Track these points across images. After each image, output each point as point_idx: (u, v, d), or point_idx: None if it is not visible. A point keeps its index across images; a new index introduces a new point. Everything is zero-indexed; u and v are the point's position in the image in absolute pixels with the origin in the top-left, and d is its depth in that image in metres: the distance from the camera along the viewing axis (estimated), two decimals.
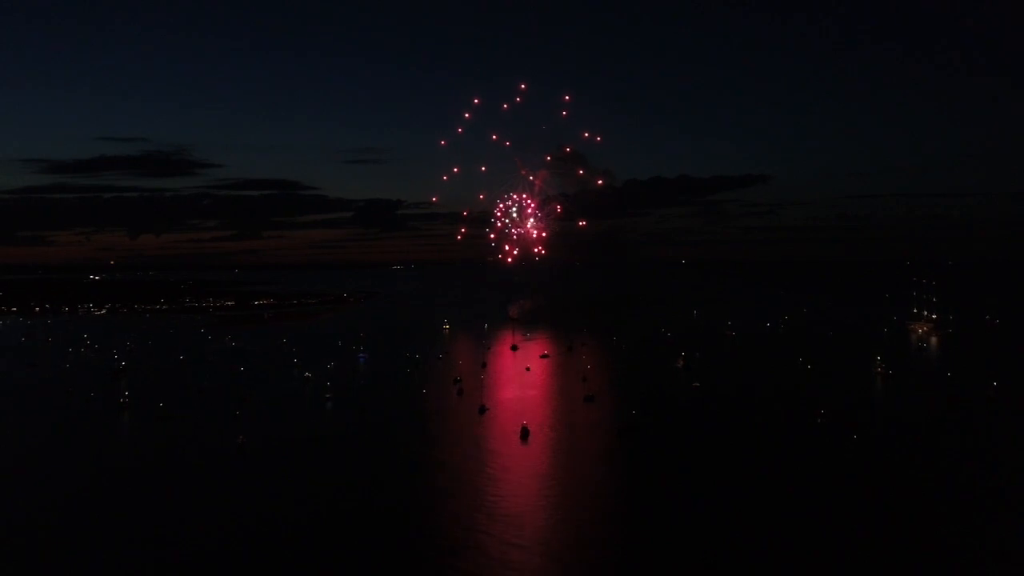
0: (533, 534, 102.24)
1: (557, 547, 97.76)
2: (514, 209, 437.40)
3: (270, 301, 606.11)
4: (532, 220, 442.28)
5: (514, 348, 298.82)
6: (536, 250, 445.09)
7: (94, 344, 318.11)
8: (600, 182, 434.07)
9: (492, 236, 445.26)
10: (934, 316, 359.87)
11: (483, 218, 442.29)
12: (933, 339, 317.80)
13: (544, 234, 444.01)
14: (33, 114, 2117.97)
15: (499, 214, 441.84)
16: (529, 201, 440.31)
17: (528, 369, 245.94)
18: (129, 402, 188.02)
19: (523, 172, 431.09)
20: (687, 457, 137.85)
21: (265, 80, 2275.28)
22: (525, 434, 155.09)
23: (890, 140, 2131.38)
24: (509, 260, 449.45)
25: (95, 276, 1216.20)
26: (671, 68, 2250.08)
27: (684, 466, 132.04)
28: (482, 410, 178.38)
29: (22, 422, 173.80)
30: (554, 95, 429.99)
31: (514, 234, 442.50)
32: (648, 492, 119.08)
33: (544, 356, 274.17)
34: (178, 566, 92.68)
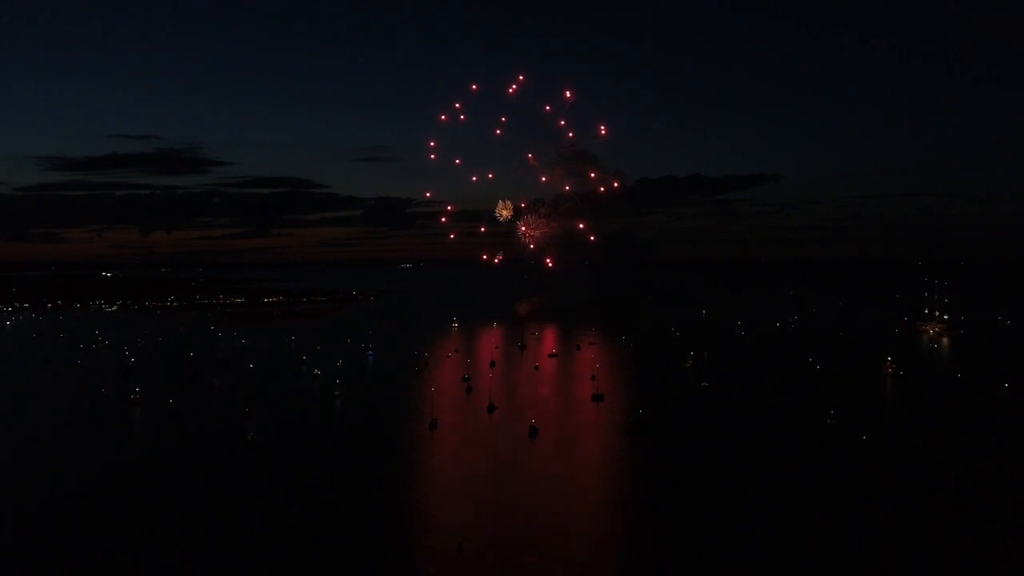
0: (541, 532, 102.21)
1: (565, 546, 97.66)
2: (527, 209, 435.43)
3: (280, 299, 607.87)
4: (542, 219, 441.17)
5: (523, 347, 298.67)
6: (545, 249, 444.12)
7: (105, 341, 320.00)
8: (615, 184, 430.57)
9: (502, 235, 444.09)
10: (945, 317, 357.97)
11: (493, 217, 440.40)
12: (944, 340, 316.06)
13: (554, 233, 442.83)
14: (46, 112, 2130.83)
15: (508, 212, 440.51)
16: (539, 200, 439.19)
17: (537, 368, 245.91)
18: (139, 399, 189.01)
19: (536, 168, 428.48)
20: (696, 456, 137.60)
21: (276, 78, 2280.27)
22: (534, 432, 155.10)
23: (901, 140, 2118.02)
24: (518, 259, 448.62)
25: (107, 273, 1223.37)
26: (681, 67, 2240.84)
27: (693, 465, 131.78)
28: (491, 408, 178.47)
29: (34, 418, 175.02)
30: (563, 93, 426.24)
31: (524, 233, 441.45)
32: (657, 492, 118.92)
33: (553, 355, 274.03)
34: (186, 560, 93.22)
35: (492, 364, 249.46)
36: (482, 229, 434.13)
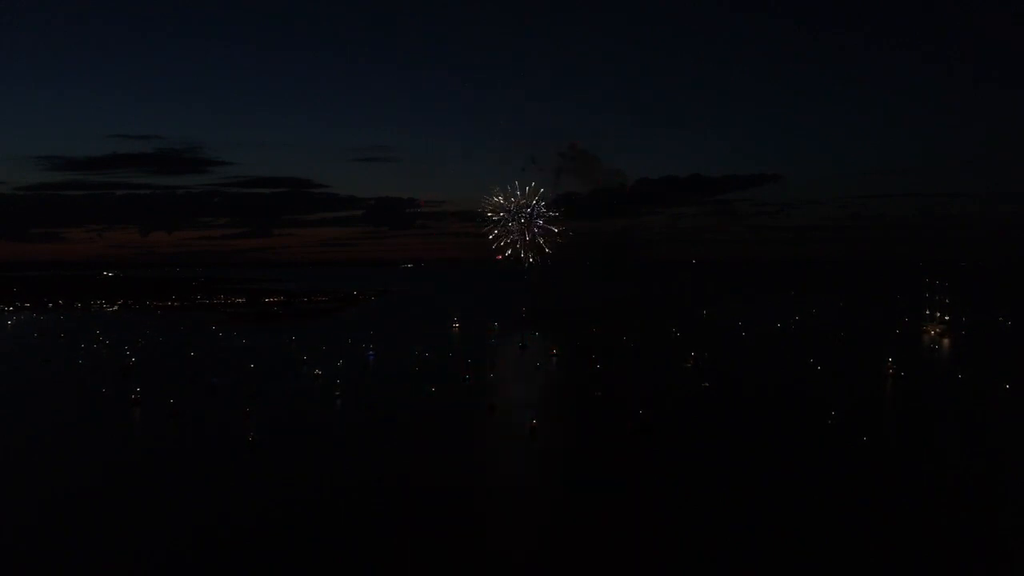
0: (542, 533, 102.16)
1: (566, 546, 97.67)
2: (528, 209, 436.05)
3: (280, 299, 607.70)
4: (543, 219, 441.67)
5: (524, 346, 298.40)
6: (547, 250, 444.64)
7: (105, 340, 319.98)
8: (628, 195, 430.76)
9: (504, 235, 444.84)
10: (946, 317, 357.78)
11: (495, 217, 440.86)
12: (945, 340, 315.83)
13: (555, 233, 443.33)
14: (47, 112, 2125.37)
15: (510, 213, 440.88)
16: (541, 201, 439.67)
17: (538, 367, 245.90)
18: (139, 399, 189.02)
19: (537, 169, 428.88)
20: (696, 456, 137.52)
21: (276, 78, 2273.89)
22: (534, 432, 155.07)
23: (901, 140, 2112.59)
24: (520, 259, 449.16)
25: (107, 272, 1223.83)
26: (681, 67, 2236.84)
27: (693, 465, 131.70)
28: (491, 408, 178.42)
29: (34, 418, 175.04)
30: (564, 95, 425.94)
31: (525, 234, 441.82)
32: (657, 492, 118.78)
33: (553, 355, 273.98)
34: (187, 559, 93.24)
35: (493, 364, 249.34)
36: (489, 244, 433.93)
